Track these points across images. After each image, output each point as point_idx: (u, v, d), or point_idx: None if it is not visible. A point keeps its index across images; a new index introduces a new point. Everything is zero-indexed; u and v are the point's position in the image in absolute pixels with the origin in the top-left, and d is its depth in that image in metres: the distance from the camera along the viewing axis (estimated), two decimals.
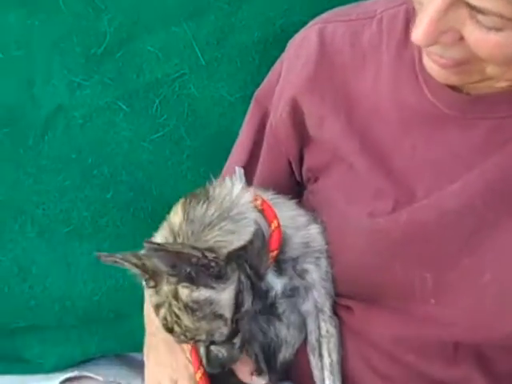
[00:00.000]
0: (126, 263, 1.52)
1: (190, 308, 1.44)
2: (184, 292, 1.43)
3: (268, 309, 1.57)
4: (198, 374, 1.60)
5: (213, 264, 1.41)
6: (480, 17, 1.25)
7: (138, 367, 2.21)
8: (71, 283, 2.18)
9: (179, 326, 1.44)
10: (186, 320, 1.44)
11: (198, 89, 1.91)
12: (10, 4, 1.90)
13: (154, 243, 1.43)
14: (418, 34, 1.31)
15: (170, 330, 1.46)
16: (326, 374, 1.62)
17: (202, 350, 1.51)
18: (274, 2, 1.92)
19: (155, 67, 1.96)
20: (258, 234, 1.49)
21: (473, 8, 1.25)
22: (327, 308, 1.62)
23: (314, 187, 1.69)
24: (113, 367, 2.29)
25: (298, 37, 1.73)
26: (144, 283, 1.54)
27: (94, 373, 2.19)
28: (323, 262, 1.60)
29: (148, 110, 2.00)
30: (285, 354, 1.66)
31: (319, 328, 1.63)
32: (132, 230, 2.14)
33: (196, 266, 1.41)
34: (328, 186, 1.65)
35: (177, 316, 1.44)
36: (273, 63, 1.80)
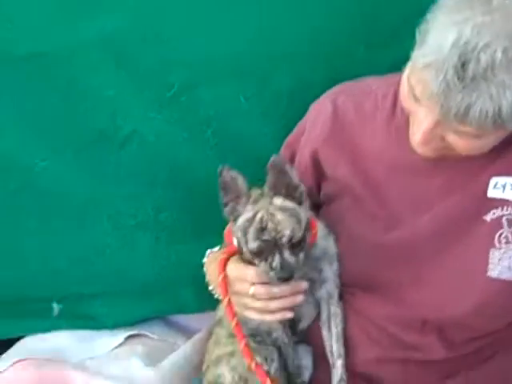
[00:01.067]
0: (234, 181, 1.77)
1: (282, 208, 1.73)
2: (278, 200, 1.75)
3: None
4: (253, 364, 1.82)
5: (298, 189, 1.76)
6: (458, 133, 1.58)
7: (182, 329, 2.61)
8: (135, 261, 2.52)
9: (273, 222, 1.71)
10: (279, 215, 1.71)
11: (240, 125, 2.22)
12: (107, 60, 2.28)
13: (283, 164, 1.74)
14: (414, 142, 1.67)
15: (263, 229, 1.70)
16: (333, 341, 1.94)
17: (278, 259, 1.70)
18: (299, 68, 2.25)
19: (209, 109, 2.31)
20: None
21: (453, 129, 1.58)
22: (336, 295, 1.92)
23: (328, 208, 1.96)
24: (162, 328, 2.60)
25: (316, 105, 2.02)
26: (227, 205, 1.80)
27: (149, 332, 2.53)
28: (334, 264, 1.92)
29: (201, 138, 2.36)
30: (303, 324, 1.99)
31: (329, 309, 1.94)
32: (184, 225, 2.48)
33: (291, 189, 1.76)
34: (339, 209, 1.92)
35: (272, 215, 1.71)
36: (297, 110, 2.12)
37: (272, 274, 1.72)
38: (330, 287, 1.94)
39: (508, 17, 1.49)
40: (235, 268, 1.83)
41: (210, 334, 2.11)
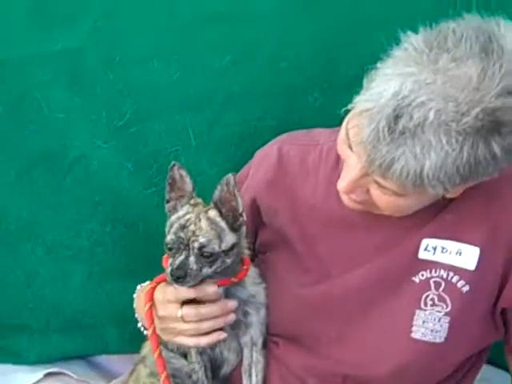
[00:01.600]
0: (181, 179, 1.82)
1: (211, 220, 1.77)
2: (213, 213, 1.79)
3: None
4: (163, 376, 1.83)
5: (239, 219, 1.79)
6: (381, 187, 1.60)
7: (104, 371, 2.59)
8: (65, 294, 2.49)
9: (195, 225, 1.75)
10: (204, 223, 1.76)
11: (187, 162, 2.01)
12: (61, 81, 2.26)
13: (235, 186, 1.77)
14: (340, 186, 1.68)
15: (183, 227, 1.75)
16: None
17: (181, 258, 1.74)
18: (251, 109, 2.25)
19: (157, 142, 2.30)
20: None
21: (377, 183, 1.60)
22: (260, 343, 1.95)
23: (263, 257, 1.98)
24: (84, 368, 2.58)
25: (262, 151, 2.04)
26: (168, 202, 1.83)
27: (70, 371, 2.50)
28: (262, 311, 1.93)
29: (147, 172, 2.34)
30: (226, 369, 1.99)
31: (252, 356, 1.95)
32: (120, 260, 2.46)
33: (231, 211, 1.79)
34: (274, 259, 1.94)
35: (199, 220, 1.76)
36: (245, 152, 2.13)
37: (168, 270, 1.75)
38: (254, 333, 1.95)
39: (449, 80, 1.48)
40: (163, 291, 1.84)
41: (132, 372, 2.08)
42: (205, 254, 1.76)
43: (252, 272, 1.93)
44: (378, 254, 1.82)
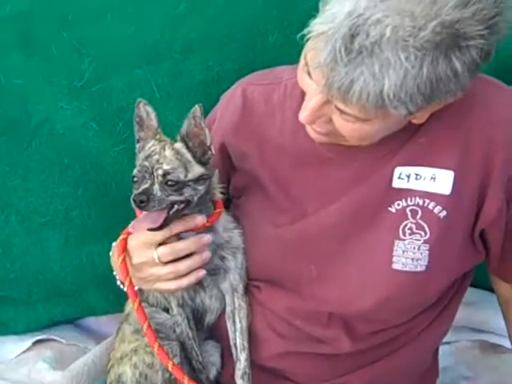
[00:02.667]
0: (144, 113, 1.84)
1: (176, 151, 1.79)
2: (179, 145, 1.81)
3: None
4: (145, 326, 1.85)
5: (207, 153, 1.81)
6: (343, 114, 1.60)
7: (92, 333, 2.62)
8: (44, 262, 2.49)
9: (159, 154, 1.78)
10: (168, 153, 1.78)
11: None
12: (13, 46, 2.23)
13: (202, 118, 1.78)
14: (302, 116, 1.67)
15: (147, 157, 1.78)
16: (237, 334, 1.96)
17: (145, 186, 1.75)
18: (212, 55, 2.23)
19: (121, 98, 2.27)
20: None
21: (339, 109, 1.59)
22: (240, 288, 1.96)
23: (237, 202, 1.99)
24: (72, 332, 2.61)
25: (227, 94, 2.02)
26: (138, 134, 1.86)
27: (58, 336, 2.53)
28: (239, 256, 1.94)
29: (113, 130, 2.32)
30: (209, 318, 2.00)
31: (234, 302, 1.96)
32: (96, 221, 2.45)
33: (199, 145, 1.80)
34: (247, 203, 1.95)
35: (163, 149, 1.78)
36: (210, 100, 2.09)
37: (132, 195, 1.74)
38: (233, 279, 1.96)
39: None
40: (136, 237, 1.85)
41: (118, 330, 2.09)
42: (169, 182, 1.77)
43: (223, 218, 1.94)
44: (352, 187, 1.82)
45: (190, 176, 1.81)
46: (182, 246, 1.83)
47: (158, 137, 1.84)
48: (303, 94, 1.73)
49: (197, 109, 1.78)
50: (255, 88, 1.98)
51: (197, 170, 1.82)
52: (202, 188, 1.83)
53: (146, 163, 1.79)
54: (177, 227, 1.82)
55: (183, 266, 1.84)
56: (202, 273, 1.86)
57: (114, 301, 2.45)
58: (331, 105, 1.61)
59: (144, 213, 1.80)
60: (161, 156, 1.79)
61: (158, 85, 2.25)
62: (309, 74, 1.62)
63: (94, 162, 2.38)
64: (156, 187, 1.76)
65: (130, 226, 1.80)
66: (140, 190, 1.75)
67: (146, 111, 1.84)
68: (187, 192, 1.80)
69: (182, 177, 1.79)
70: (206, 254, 1.86)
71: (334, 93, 1.55)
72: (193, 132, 1.82)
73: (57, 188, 2.41)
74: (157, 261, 1.82)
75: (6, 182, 2.40)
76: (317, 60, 1.54)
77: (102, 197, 2.44)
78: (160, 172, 1.77)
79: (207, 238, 1.86)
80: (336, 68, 1.50)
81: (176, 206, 1.79)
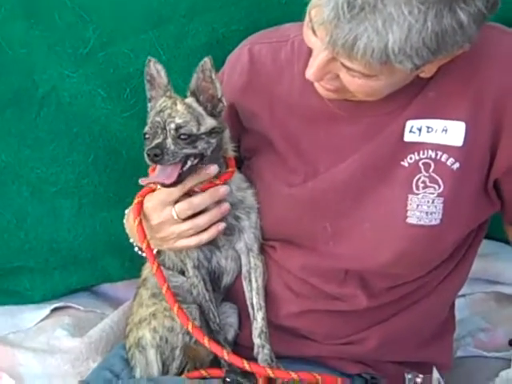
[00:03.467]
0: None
1: (187, 105, 1.80)
2: (189, 100, 1.82)
3: (211, 241, 1.92)
4: (164, 288, 1.85)
5: (219, 105, 1.82)
6: (349, 70, 1.58)
7: (109, 299, 2.63)
8: (57, 231, 2.50)
9: (171, 109, 1.78)
10: (180, 107, 1.79)
11: None
12: (17, 16, 2.22)
13: (212, 70, 1.79)
14: (308, 73, 1.66)
15: (159, 112, 1.78)
16: (254, 294, 1.96)
17: (158, 140, 1.76)
18: (217, 16, 2.21)
19: (127, 64, 2.26)
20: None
21: (344, 66, 1.58)
22: (255, 248, 1.96)
23: (249, 163, 1.98)
24: (89, 299, 2.63)
25: (233, 54, 2.00)
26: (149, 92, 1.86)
27: (75, 303, 2.55)
28: (253, 215, 1.94)
29: (121, 96, 2.30)
30: (226, 280, 2.01)
31: (249, 262, 1.97)
32: (107, 188, 2.45)
33: (210, 98, 1.82)
34: (259, 163, 1.94)
35: (174, 104, 1.79)
36: (216, 62, 1.93)
37: (146, 150, 1.74)
38: (248, 239, 1.96)
39: None
40: (152, 198, 1.86)
41: (135, 295, 2.09)
42: (182, 135, 1.77)
43: (236, 177, 1.94)
44: (364, 143, 1.81)
45: (203, 129, 1.81)
46: (199, 200, 1.84)
47: (168, 94, 1.84)
48: (311, 51, 1.71)
49: (206, 61, 1.78)
50: (262, 46, 1.96)
51: (209, 122, 1.82)
52: (214, 141, 1.83)
53: (158, 118, 1.78)
54: (191, 181, 1.82)
55: (203, 219, 1.85)
56: (222, 226, 1.88)
57: (130, 267, 2.48)
58: (337, 61, 1.60)
59: (157, 169, 1.79)
60: (172, 110, 1.79)
61: (163, 48, 2.23)
62: (313, 31, 1.61)
63: (102, 129, 2.37)
64: (169, 141, 1.76)
65: (141, 181, 1.81)
66: (153, 144, 1.75)
67: (157, 69, 1.84)
68: (200, 145, 1.80)
69: (194, 130, 1.79)
70: (225, 206, 1.87)
71: (339, 50, 1.54)
72: (203, 85, 1.82)
73: (67, 157, 2.40)
74: (176, 218, 1.83)
75: (16, 153, 2.39)
76: (320, 17, 1.53)
77: (112, 163, 2.43)
78: (172, 126, 1.77)
79: (224, 188, 1.87)
80: (339, 25, 1.49)
81: (190, 162, 1.80)
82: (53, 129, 2.37)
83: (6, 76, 2.30)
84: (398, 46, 1.48)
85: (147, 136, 1.79)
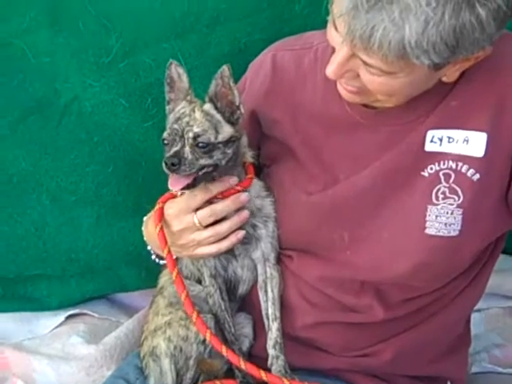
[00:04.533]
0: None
1: (205, 112, 1.77)
2: (208, 106, 1.79)
3: (227, 250, 1.89)
4: (183, 296, 1.82)
5: (236, 113, 1.80)
6: (368, 67, 1.56)
7: (124, 307, 2.62)
8: (76, 240, 2.48)
9: (189, 117, 1.76)
10: (198, 114, 1.76)
11: None
12: (41, 24, 2.20)
13: (230, 78, 1.77)
14: (329, 71, 1.64)
15: (177, 119, 1.76)
16: (269, 304, 1.92)
17: (176, 149, 1.75)
18: (239, 25, 2.19)
19: (149, 74, 2.24)
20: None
21: (363, 61, 1.55)
22: (272, 257, 1.93)
23: (268, 171, 1.95)
24: (105, 307, 2.61)
25: (256, 61, 1.98)
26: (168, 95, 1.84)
27: (91, 311, 2.53)
28: (270, 225, 1.91)
29: (142, 106, 2.28)
30: (242, 289, 1.97)
31: (265, 272, 1.94)
32: (126, 198, 2.43)
33: (228, 105, 1.80)
34: (278, 171, 1.92)
35: (193, 111, 1.77)
36: (238, 71, 2.01)
37: (164, 158, 1.72)
38: (265, 248, 1.93)
39: None
40: (173, 204, 1.86)
41: (151, 304, 2.07)
42: (200, 144, 1.75)
43: (256, 185, 1.91)
44: (384, 151, 1.77)
45: (220, 138, 1.78)
46: (221, 207, 1.82)
47: (188, 98, 1.82)
48: None
49: (225, 69, 1.75)
50: (285, 54, 1.94)
51: (227, 130, 1.80)
52: (230, 151, 1.80)
53: (176, 126, 1.76)
54: (214, 189, 1.82)
55: (223, 227, 1.83)
56: (242, 234, 1.86)
57: (146, 277, 2.46)
58: (357, 58, 1.57)
59: (172, 177, 1.77)
60: (191, 118, 1.76)
61: (185, 58, 2.20)
62: (335, 26, 1.58)
63: (123, 139, 2.36)
64: (187, 150, 1.74)
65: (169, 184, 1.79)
66: (171, 152, 1.73)
67: (178, 72, 1.82)
68: (216, 155, 1.78)
69: (212, 139, 1.76)
70: (245, 213, 1.86)
71: (356, 42, 1.51)
72: (221, 92, 1.79)
73: (87, 166, 2.38)
74: (197, 225, 1.81)
75: (36, 162, 2.37)
76: (340, 9, 1.51)
77: (132, 174, 2.41)
78: (191, 135, 1.75)
79: (246, 195, 1.85)
80: (357, 15, 1.47)
81: (205, 169, 1.77)
82: (74, 138, 2.35)
83: (29, 84, 2.28)
84: (414, 38, 1.45)
85: (166, 142, 1.77)
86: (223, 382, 1.90)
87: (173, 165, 1.72)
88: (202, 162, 1.76)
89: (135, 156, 2.38)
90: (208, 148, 1.76)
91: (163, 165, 1.72)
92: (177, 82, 1.82)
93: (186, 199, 1.81)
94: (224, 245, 1.85)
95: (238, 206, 1.84)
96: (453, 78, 1.64)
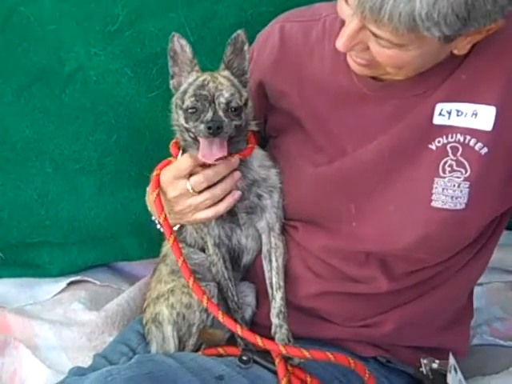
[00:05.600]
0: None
1: (227, 78, 1.77)
2: (225, 72, 1.78)
3: (232, 219, 1.88)
4: (180, 261, 1.79)
5: (245, 76, 1.80)
6: (378, 39, 1.53)
7: (125, 275, 2.58)
8: (78, 208, 2.44)
9: (214, 82, 1.74)
10: (222, 80, 1.75)
11: None
12: None
13: (245, 42, 1.76)
14: (339, 43, 1.60)
15: (203, 86, 1.73)
16: (273, 273, 1.90)
17: (210, 114, 1.72)
18: None
19: (155, 43, 2.19)
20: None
21: (373, 34, 1.52)
22: (277, 228, 1.90)
23: (274, 142, 1.93)
24: (106, 274, 2.58)
25: (264, 32, 1.95)
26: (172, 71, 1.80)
27: (92, 278, 2.51)
28: (275, 195, 1.88)
29: (147, 75, 2.24)
30: (246, 259, 1.95)
31: (270, 242, 1.91)
32: (129, 168, 2.39)
33: (240, 70, 1.79)
34: (284, 142, 1.89)
35: (215, 78, 1.75)
36: None
37: (202, 126, 1.70)
38: (270, 218, 1.90)
39: None
40: (166, 172, 1.81)
41: (154, 271, 2.05)
42: (232, 107, 1.74)
43: (259, 154, 1.88)
44: (391, 124, 1.74)
45: (243, 100, 1.76)
46: (213, 172, 1.77)
47: (196, 68, 1.78)
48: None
49: (240, 34, 1.75)
50: (293, 25, 1.89)
51: (244, 93, 1.78)
52: (249, 113, 1.78)
53: (204, 92, 1.73)
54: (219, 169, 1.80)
55: (218, 189, 1.79)
56: (238, 194, 1.82)
57: (148, 247, 2.44)
58: (366, 31, 1.55)
59: (204, 145, 1.74)
60: (217, 84, 1.74)
61: (191, 28, 2.16)
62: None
63: (127, 109, 2.31)
64: (221, 114, 1.71)
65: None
66: (208, 117, 1.70)
67: (181, 44, 1.77)
68: (243, 116, 1.76)
69: (239, 102, 1.75)
70: (237, 174, 1.81)
71: (367, 14, 1.48)
72: (235, 58, 1.79)
73: (90, 135, 2.34)
74: (191, 191, 1.76)
75: (40, 130, 2.33)
76: None
77: (135, 143, 2.37)
78: (222, 99, 1.73)
79: (235, 160, 1.80)
80: None
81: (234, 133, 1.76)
82: (78, 106, 2.30)
83: (34, 52, 2.23)
84: (425, 10, 1.42)
85: (193, 110, 1.73)
86: (226, 349, 1.86)
87: (218, 128, 1.68)
88: (235, 123, 1.74)
89: (139, 126, 2.34)
90: (238, 111, 1.74)
91: (204, 130, 1.70)
92: (180, 54, 1.78)
93: (178, 166, 1.77)
94: (221, 207, 1.81)
95: (230, 170, 1.79)
96: (464, 51, 1.60)
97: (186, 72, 1.78)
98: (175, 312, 1.89)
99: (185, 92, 1.75)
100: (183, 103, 1.74)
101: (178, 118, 1.77)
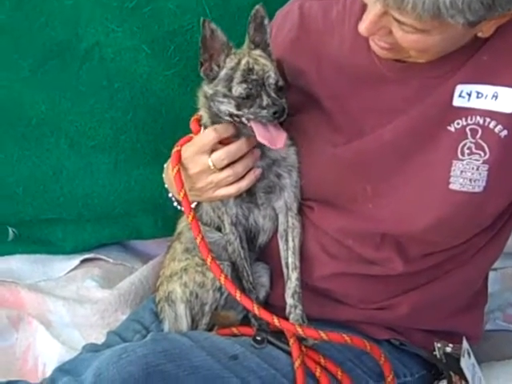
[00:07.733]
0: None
1: (263, 56, 1.76)
2: (257, 51, 1.78)
3: (250, 198, 1.87)
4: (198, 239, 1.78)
5: (269, 49, 1.78)
6: (401, 25, 1.52)
7: (139, 254, 2.59)
8: (92, 185, 2.44)
9: (258, 64, 1.73)
10: (264, 61, 1.75)
11: None
12: None
13: (264, 17, 1.76)
14: (361, 28, 1.59)
15: (250, 70, 1.72)
16: (289, 253, 1.88)
17: (266, 97, 1.72)
18: None
19: (173, 20, 2.18)
20: None
21: (396, 19, 1.51)
22: (294, 207, 1.88)
23: (292, 120, 1.88)
24: (120, 253, 2.58)
25: (283, 10, 1.93)
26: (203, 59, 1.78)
27: (105, 256, 2.51)
28: (294, 174, 1.86)
29: (164, 53, 2.22)
30: (262, 239, 1.93)
31: (287, 221, 1.89)
32: (144, 146, 2.38)
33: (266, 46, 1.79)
34: (302, 121, 1.86)
35: (256, 59, 1.74)
36: None
37: (264, 112, 1.70)
38: (288, 197, 1.88)
39: None
40: (188, 148, 1.80)
41: (168, 249, 2.03)
42: (279, 87, 1.74)
43: None
44: (411, 105, 1.71)
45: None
46: (234, 148, 1.77)
47: (233, 51, 1.78)
48: (362, 10, 1.64)
49: (258, 9, 1.75)
50: (313, 3, 1.87)
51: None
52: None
53: (254, 76, 1.73)
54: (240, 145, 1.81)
55: (240, 166, 1.79)
56: (259, 171, 1.82)
57: (162, 226, 2.44)
58: (389, 16, 1.52)
59: (260, 129, 1.74)
60: (262, 65, 1.74)
61: (210, 6, 2.15)
62: None
63: (144, 87, 2.29)
64: (274, 95, 1.72)
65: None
66: (269, 101, 1.71)
67: (211, 29, 1.74)
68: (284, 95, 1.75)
69: (282, 81, 1.75)
70: (257, 151, 1.80)
71: (389, 1, 1.46)
72: (259, 33, 1.79)
73: (106, 112, 2.33)
74: (212, 168, 1.76)
75: (55, 106, 2.32)
76: None
77: (151, 121, 2.35)
78: (272, 81, 1.73)
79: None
80: None
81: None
82: (94, 83, 2.29)
83: (51, 28, 2.22)
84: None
85: (246, 95, 1.73)
86: (240, 329, 1.86)
87: (283, 111, 1.69)
88: (284, 103, 1.73)
89: (155, 104, 2.32)
90: (283, 90, 1.74)
91: (269, 115, 1.70)
92: (208, 40, 1.75)
93: (200, 140, 1.77)
94: (243, 184, 1.80)
95: (250, 148, 1.79)
96: (488, 33, 1.58)
97: (223, 56, 1.76)
98: (188, 290, 1.88)
99: (230, 79, 1.74)
100: (230, 90, 1.73)
101: (222, 105, 1.76)
